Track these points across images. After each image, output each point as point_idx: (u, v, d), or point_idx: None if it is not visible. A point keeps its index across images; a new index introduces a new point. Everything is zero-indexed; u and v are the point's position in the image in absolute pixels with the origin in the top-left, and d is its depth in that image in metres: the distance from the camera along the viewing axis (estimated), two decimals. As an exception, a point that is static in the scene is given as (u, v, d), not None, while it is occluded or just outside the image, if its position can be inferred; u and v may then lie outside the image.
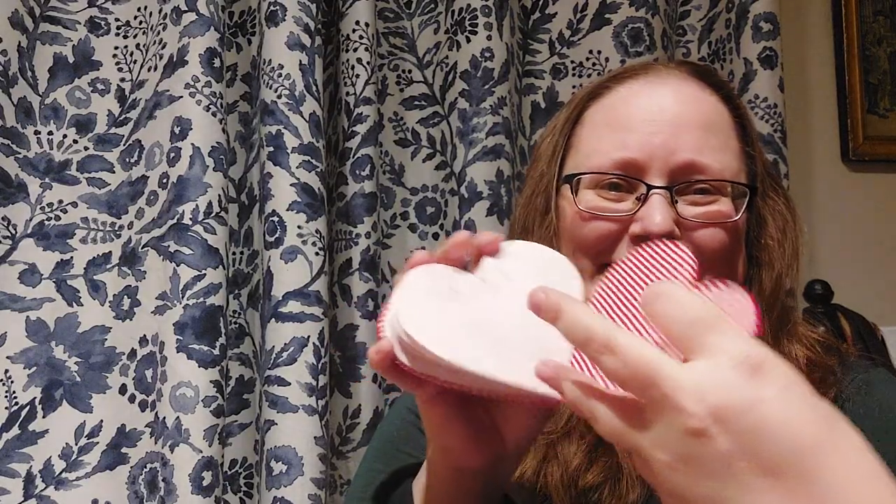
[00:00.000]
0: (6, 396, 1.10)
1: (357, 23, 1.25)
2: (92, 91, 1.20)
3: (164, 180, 1.13)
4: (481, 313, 0.48)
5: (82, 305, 1.14)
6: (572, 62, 1.39)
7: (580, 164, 0.71)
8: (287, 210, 1.14)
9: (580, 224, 0.69)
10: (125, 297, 1.15)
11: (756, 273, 0.71)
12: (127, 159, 1.19)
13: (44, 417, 1.11)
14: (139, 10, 1.22)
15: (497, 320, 0.48)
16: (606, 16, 1.38)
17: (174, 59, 1.13)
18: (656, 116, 0.68)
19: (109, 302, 1.15)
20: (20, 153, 1.16)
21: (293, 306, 1.12)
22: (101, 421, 1.12)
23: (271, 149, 1.15)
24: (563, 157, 0.73)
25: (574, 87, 1.37)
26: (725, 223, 0.67)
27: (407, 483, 0.62)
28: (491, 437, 0.53)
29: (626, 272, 0.50)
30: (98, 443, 1.11)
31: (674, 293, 0.38)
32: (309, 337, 1.12)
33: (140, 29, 1.22)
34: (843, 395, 0.67)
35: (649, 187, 0.66)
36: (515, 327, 0.47)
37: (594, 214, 0.68)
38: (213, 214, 1.10)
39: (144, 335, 1.13)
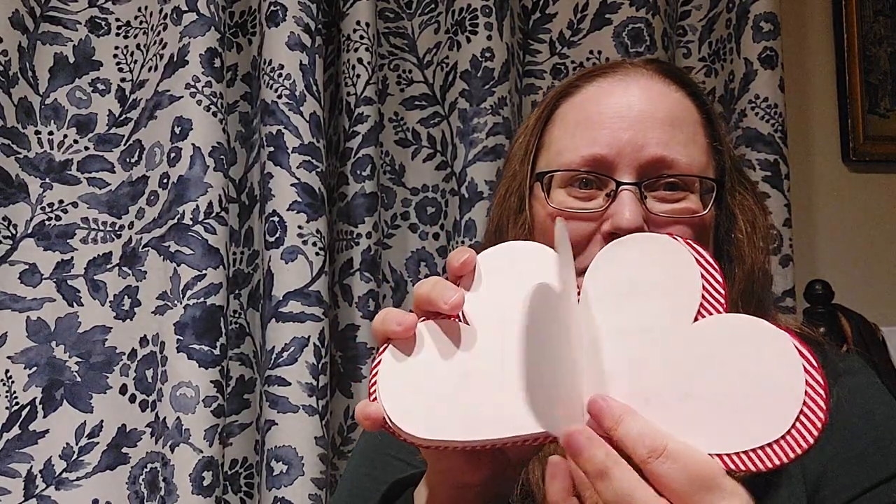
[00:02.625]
0: (7, 396, 1.10)
1: (358, 23, 1.25)
2: (92, 91, 1.20)
3: (165, 180, 1.13)
4: (463, 369, 0.48)
5: (83, 305, 1.14)
6: (573, 62, 1.39)
7: (551, 163, 0.72)
8: (287, 210, 1.14)
9: (552, 224, 0.69)
10: (126, 297, 1.15)
11: (728, 268, 0.72)
12: (127, 159, 1.19)
13: (44, 417, 1.11)
14: (140, 10, 1.22)
15: (479, 370, 0.48)
16: (607, 16, 1.38)
17: (175, 59, 1.13)
18: (624, 113, 0.69)
19: (110, 302, 1.15)
20: (21, 153, 1.16)
21: (293, 306, 1.12)
22: (102, 421, 1.12)
23: (272, 149, 1.15)
24: (535, 156, 0.75)
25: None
26: (693, 219, 0.68)
27: (409, 492, 0.61)
28: (490, 452, 0.52)
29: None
30: (98, 443, 1.11)
31: (678, 453, 0.42)
32: (309, 337, 1.12)
33: (140, 29, 1.22)
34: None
35: (618, 184, 0.67)
36: (499, 373, 0.47)
37: (565, 213, 0.69)
38: (213, 214, 1.10)
39: (145, 335, 1.13)
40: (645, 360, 0.46)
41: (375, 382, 0.49)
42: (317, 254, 1.14)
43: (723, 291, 0.47)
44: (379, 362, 0.49)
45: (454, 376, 0.48)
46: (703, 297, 0.47)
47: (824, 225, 1.67)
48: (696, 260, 0.48)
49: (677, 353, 0.45)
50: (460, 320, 0.50)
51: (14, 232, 1.14)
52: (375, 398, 0.48)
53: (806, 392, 0.42)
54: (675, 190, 0.69)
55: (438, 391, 0.47)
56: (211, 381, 1.06)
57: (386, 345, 0.50)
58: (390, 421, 0.47)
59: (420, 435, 0.46)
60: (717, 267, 0.48)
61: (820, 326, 1.39)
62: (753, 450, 0.42)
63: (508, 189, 0.76)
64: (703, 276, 0.47)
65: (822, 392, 0.42)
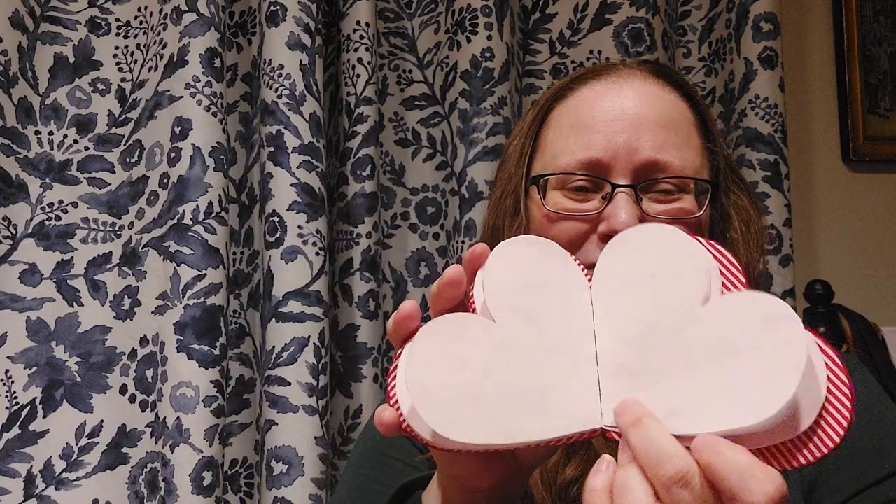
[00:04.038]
0: (7, 396, 1.10)
1: (357, 23, 1.25)
2: (92, 91, 1.20)
3: (165, 180, 1.13)
4: (490, 368, 0.46)
5: (83, 305, 1.14)
6: (573, 62, 1.39)
7: (547, 166, 0.73)
8: (287, 210, 1.14)
9: (548, 225, 0.70)
10: (126, 297, 1.15)
11: None
12: (127, 159, 1.19)
13: (44, 417, 1.11)
14: (139, 10, 1.22)
15: (506, 369, 0.46)
16: (607, 16, 1.38)
17: (174, 59, 1.13)
18: (618, 116, 0.70)
19: (110, 302, 1.15)
20: (21, 153, 1.16)
21: (293, 306, 1.12)
22: (102, 421, 1.12)
23: (272, 149, 1.15)
24: (530, 159, 0.75)
25: (574, 87, 1.37)
26: (689, 219, 0.69)
27: (417, 495, 0.61)
28: (503, 456, 0.51)
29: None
30: (98, 443, 1.11)
31: (719, 447, 0.41)
32: (309, 337, 1.12)
33: (140, 29, 1.22)
34: None
35: (614, 186, 0.68)
36: (528, 372, 0.46)
37: (561, 215, 0.69)
38: (213, 214, 1.10)
39: (145, 335, 1.13)
40: (659, 345, 0.45)
41: (394, 387, 0.47)
42: (317, 254, 1.14)
43: (741, 268, 0.46)
44: (395, 367, 0.48)
45: (476, 376, 0.45)
46: (722, 273, 0.46)
47: (824, 225, 1.67)
48: (707, 249, 0.48)
49: (692, 338, 0.44)
50: (476, 312, 0.49)
51: (14, 232, 1.14)
52: (395, 402, 0.47)
53: (829, 388, 0.41)
54: (670, 192, 0.69)
55: (459, 391, 0.45)
56: (211, 381, 1.06)
57: (401, 348, 0.48)
58: (413, 426, 0.45)
59: (450, 437, 0.44)
60: (729, 251, 0.47)
61: (820, 326, 1.39)
62: (777, 446, 0.41)
63: (504, 191, 0.76)
64: (717, 258, 0.47)
65: (847, 391, 0.41)
